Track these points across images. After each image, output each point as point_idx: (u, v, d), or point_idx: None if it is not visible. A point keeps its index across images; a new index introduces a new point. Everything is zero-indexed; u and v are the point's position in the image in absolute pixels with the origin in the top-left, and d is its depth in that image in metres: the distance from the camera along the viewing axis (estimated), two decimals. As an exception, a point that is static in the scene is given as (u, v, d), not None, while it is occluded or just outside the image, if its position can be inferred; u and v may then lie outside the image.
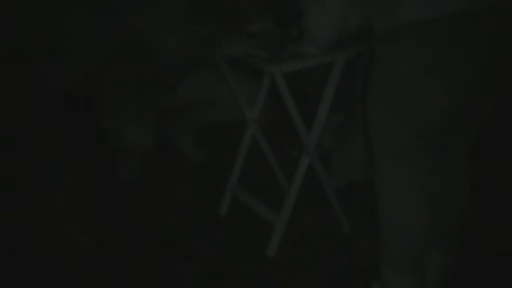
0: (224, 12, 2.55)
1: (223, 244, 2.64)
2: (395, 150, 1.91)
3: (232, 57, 2.44)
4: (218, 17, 2.55)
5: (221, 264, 2.51)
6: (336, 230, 2.68)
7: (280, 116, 2.77)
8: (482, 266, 2.38)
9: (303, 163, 2.51)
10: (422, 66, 1.76)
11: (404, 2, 1.74)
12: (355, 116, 2.82)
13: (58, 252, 1.95)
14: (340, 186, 2.81)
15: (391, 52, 1.82)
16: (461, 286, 2.28)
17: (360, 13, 1.91)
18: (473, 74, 1.78)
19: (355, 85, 2.69)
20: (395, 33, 1.78)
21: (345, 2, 1.91)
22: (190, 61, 2.82)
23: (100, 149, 2.93)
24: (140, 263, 2.49)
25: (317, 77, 2.56)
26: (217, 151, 3.31)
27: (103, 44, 2.43)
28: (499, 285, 2.31)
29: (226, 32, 2.45)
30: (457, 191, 2.07)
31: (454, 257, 2.16)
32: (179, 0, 2.59)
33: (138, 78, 2.81)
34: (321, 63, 2.35)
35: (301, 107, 2.44)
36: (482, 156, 2.20)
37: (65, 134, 1.91)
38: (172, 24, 2.57)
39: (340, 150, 2.95)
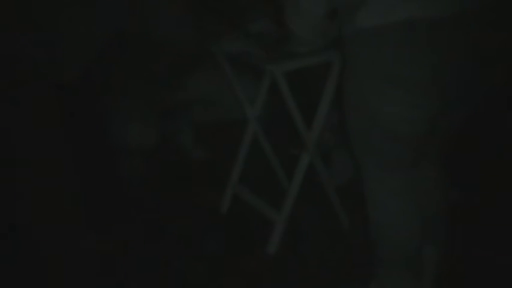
0: (224, 10, 2.55)
1: (224, 241, 2.63)
2: (371, 154, 1.92)
3: (230, 53, 2.44)
4: (218, 16, 2.55)
5: (222, 261, 2.51)
6: (336, 228, 2.67)
7: (281, 114, 2.75)
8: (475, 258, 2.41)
9: (303, 161, 2.50)
10: (381, 73, 1.73)
11: (362, 8, 1.72)
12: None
13: (57, 250, 1.97)
14: (340, 184, 2.81)
15: (353, 57, 1.81)
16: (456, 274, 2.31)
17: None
18: (439, 82, 1.74)
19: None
20: (356, 38, 1.76)
21: (319, 3, 1.89)
22: (190, 56, 2.83)
23: (102, 146, 2.87)
24: (141, 260, 2.50)
25: (317, 75, 2.55)
26: (218, 149, 3.28)
27: (99, 38, 2.36)
28: (494, 276, 2.34)
29: (226, 30, 2.46)
30: (437, 186, 2.07)
31: (446, 247, 2.18)
32: None
33: (142, 75, 2.82)
34: (320, 62, 2.35)
35: (302, 105, 2.43)
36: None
37: (63, 132, 1.92)
38: (173, 20, 2.58)
39: (340, 147, 2.94)
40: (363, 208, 2.53)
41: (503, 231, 2.56)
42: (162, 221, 2.79)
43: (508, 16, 1.74)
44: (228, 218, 2.83)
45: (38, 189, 1.91)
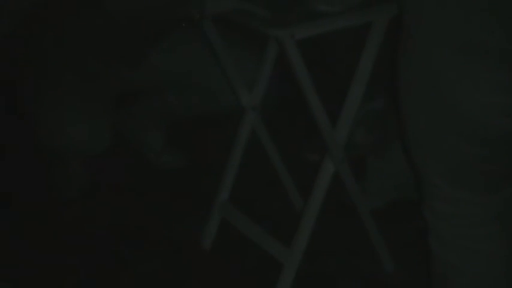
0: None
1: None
2: (442, 165, 1.83)
3: (221, 15, 2.38)
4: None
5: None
6: (374, 272, 2.62)
7: (292, 103, 2.76)
8: None
9: (324, 171, 2.41)
10: (459, 39, 1.62)
11: None
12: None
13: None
14: (379, 206, 2.78)
15: (419, 15, 1.68)
16: None
17: None
18: None
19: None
20: None
21: None
22: (160, 22, 2.80)
23: (28, 153, 2.96)
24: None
25: (346, 46, 2.62)
26: (198, 153, 3.25)
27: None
28: None
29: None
30: None
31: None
32: None
33: (84, 48, 2.81)
34: (351, 25, 2.29)
35: (323, 89, 2.36)
36: None
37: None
38: None
39: (379, 152, 2.90)
40: (413, 243, 2.61)
41: None
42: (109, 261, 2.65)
43: None
44: (213, 257, 2.74)
45: None
